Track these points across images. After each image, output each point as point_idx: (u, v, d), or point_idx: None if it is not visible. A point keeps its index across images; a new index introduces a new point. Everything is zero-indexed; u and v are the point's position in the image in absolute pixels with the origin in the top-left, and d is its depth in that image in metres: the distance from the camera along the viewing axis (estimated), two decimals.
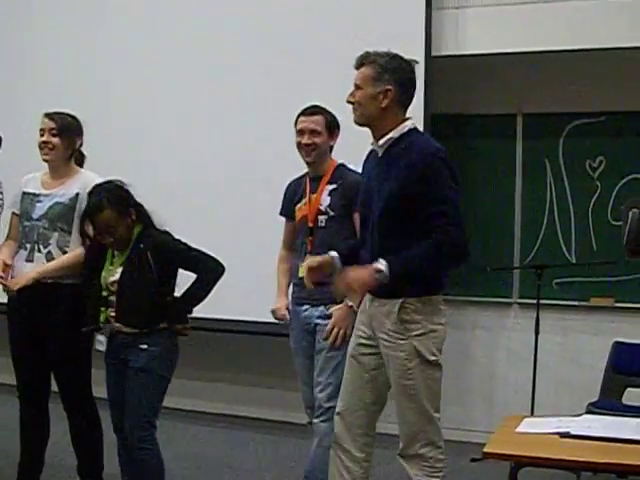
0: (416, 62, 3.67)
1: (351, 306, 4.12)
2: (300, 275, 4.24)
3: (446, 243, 3.41)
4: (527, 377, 5.64)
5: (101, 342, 4.13)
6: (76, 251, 4.34)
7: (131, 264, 4.03)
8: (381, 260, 3.39)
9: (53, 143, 4.41)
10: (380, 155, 3.62)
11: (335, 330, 4.19)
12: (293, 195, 4.55)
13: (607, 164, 6.12)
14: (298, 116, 4.44)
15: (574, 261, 6.17)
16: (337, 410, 3.79)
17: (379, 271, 3.37)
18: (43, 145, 4.41)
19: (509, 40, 5.78)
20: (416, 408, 3.51)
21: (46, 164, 4.49)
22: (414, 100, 5.67)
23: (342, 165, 4.45)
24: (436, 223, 3.40)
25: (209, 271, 4.08)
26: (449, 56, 5.96)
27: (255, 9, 6.35)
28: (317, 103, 4.43)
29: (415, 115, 5.63)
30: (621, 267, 5.94)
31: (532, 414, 5.09)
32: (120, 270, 4.05)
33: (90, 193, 4.12)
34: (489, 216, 6.36)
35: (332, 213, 4.33)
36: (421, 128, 5.71)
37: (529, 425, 3.37)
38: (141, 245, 4.04)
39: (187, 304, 4.12)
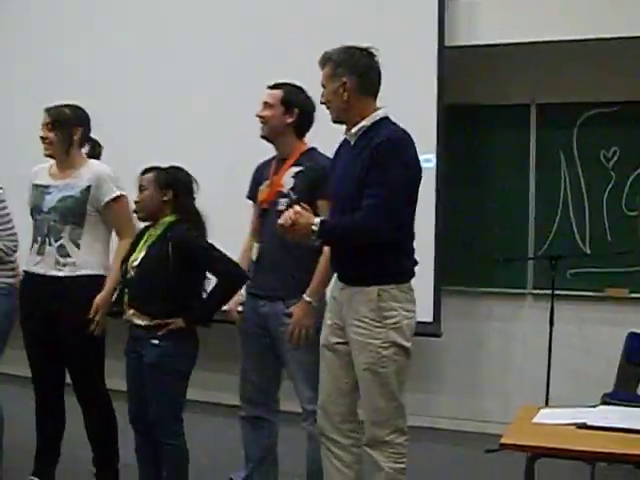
0: (372, 49, 3.67)
1: (309, 302, 4.05)
2: (254, 258, 4.26)
3: (363, 224, 3.50)
4: (542, 368, 5.63)
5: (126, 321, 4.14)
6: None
7: (152, 251, 4.04)
8: (317, 220, 3.52)
9: (49, 137, 4.41)
10: (353, 144, 3.68)
11: (297, 331, 4.07)
12: (259, 177, 4.42)
13: (621, 154, 6.10)
14: None
15: (588, 251, 6.16)
16: (319, 403, 3.82)
17: (313, 231, 3.50)
18: (41, 140, 4.42)
19: (522, 30, 5.75)
20: (387, 394, 3.56)
21: None
22: (428, 91, 5.77)
23: (313, 149, 4.31)
24: (364, 203, 3.49)
25: (228, 276, 4.07)
26: (462, 46, 5.95)
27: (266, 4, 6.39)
28: None
29: (428, 106, 5.78)
30: (635, 257, 5.93)
31: (547, 405, 5.08)
32: (142, 255, 4.07)
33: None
34: (503, 207, 6.34)
35: (294, 197, 4.13)
36: (434, 119, 5.80)
37: (545, 416, 3.37)
38: (168, 235, 4.05)
39: (205, 309, 4.12)
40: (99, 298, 4.27)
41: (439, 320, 5.91)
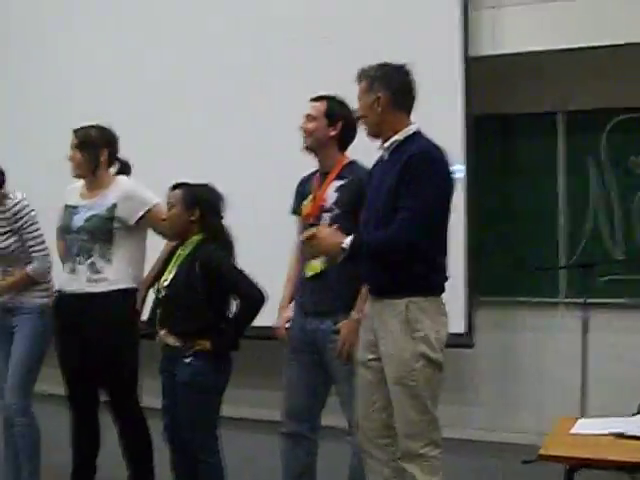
0: (408, 66, 3.75)
1: (358, 319, 4.01)
2: (306, 275, 4.24)
3: (393, 240, 3.53)
4: (576, 377, 5.57)
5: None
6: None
7: (181, 271, 4.06)
8: (348, 240, 3.54)
9: (77, 159, 4.45)
10: (386, 158, 3.72)
11: (345, 347, 4.07)
12: (304, 191, 4.40)
13: None
14: None
15: (620, 258, 6.11)
16: (356, 418, 3.84)
17: (344, 249, 3.54)
18: (69, 161, 4.46)
19: (548, 38, 5.75)
20: (419, 407, 3.55)
21: None
22: (454, 102, 5.76)
23: (354, 162, 4.30)
24: (398, 216, 3.51)
25: (249, 299, 4.07)
26: (487, 56, 5.93)
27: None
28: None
29: (456, 117, 5.76)
30: None
31: (582, 415, 5.04)
32: (171, 276, 4.09)
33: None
34: (533, 215, 6.31)
35: (337, 211, 4.15)
36: (462, 129, 5.79)
37: (583, 426, 3.34)
38: (196, 254, 4.06)
39: (231, 335, 4.12)
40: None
41: (472, 331, 5.88)
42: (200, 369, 4.01)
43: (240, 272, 4.07)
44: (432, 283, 3.64)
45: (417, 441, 3.57)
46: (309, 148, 4.29)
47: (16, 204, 4.49)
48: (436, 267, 3.66)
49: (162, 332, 4.11)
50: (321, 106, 4.25)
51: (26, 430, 4.53)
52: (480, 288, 6.01)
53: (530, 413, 6.14)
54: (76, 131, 4.49)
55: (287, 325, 4.36)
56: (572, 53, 5.72)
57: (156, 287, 4.18)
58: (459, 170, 5.75)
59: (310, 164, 4.37)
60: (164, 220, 4.18)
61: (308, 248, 3.69)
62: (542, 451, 3.05)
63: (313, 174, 4.40)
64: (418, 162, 3.53)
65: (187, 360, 4.00)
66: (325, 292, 4.16)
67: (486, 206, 6.15)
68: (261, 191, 6.20)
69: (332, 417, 4.40)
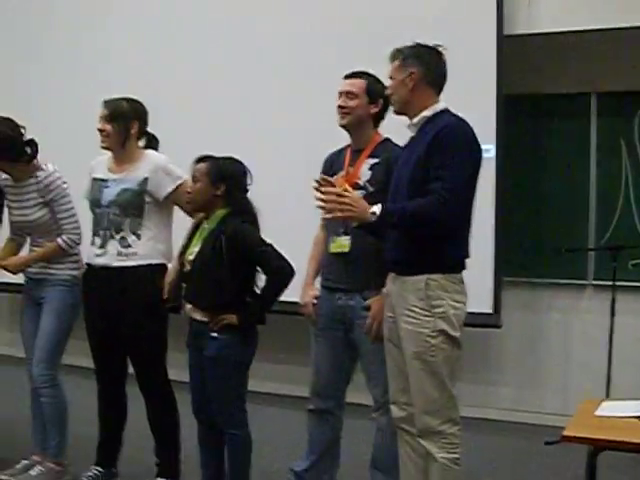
0: (441, 46, 3.77)
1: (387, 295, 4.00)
2: (331, 251, 4.25)
3: (434, 206, 3.48)
4: (602, 360, 5.56)
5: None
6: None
7: (207, 245, 4.05)
8: (378, 205, 3.52)
9: (106, 130, 4.44)
10: (414, 134, 3.74)
11: (375, 325, 4.07)
12: (329, 168, 4.36)
13: None
14: None
15: None
16: (391, 399, 3.85)
17: (373, 213, 3.51)
18: (99, 132, 4.46)
19: (582, 18, 5.69)
20: (437, 384, 3.57)
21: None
22: (487, 81, 5.73)
23: (388, 139, 4.28)
24: (431, 186, 3.49)
25: (278, 273, 4.06)
26: (522, 35, 5.89)
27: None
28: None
29: (488, 96, 5.73)
30: None
31: (607, 397, 5.04)
32: (197, 249, 4.09)
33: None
34: (563, 197, 6.28)
35: (371, 189, 4.13)
36: (494, 109, 5.75)
37: (608, 408, 3.34)
38: (221, 228, 4.05)
39: (258, 309, 4.12)
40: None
41: (499, 311, 5.87)
42: (227, 343, 4.02)
43: (268, 245, 4.06)
44: (452, 260, 3.64)
45: (435, 418, 3.58)
46: (346, 126, 4.26)
47: (48, 176, 4.50)
48: (457, 244, 3.66)
49: (188, 306, 4.12)
50: (361, 83, 4.22)
51: (53, 401, 4.56)
52: (508, 268, 6.00)
53: (555, 394, 6.14)
54: (106, 102, 4.48)
55: (314, 302, 4.36)
56: (606, 33, 5.66)
57: (180, 261, 4.18)
58: (490, 150, 5.74)
59: (338, 140, 4.36)
60: (188, 194, 4.18)
61: (336, 206, 3.58)
62: (566, 432, 3.05)
63: (342, 150, 4.39)
64: (449, 135, 3.54)
65: (214, 334, 4.02)
66: (354, 268, 4.17)
67: (516, 186, 6.12)
68: (286, 165, 6.23)
69: (358, 394, 4.42)
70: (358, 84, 4.21)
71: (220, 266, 3.99)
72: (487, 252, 5.75)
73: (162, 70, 6.79)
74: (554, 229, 6.28)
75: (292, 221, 4.57)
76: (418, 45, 3.75)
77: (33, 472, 4.57)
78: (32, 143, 4.53)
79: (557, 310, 6.29)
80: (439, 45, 3.77)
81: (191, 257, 4.09)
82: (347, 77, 4.28)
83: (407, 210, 3.54)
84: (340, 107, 4.23)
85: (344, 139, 4.33)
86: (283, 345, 5.88)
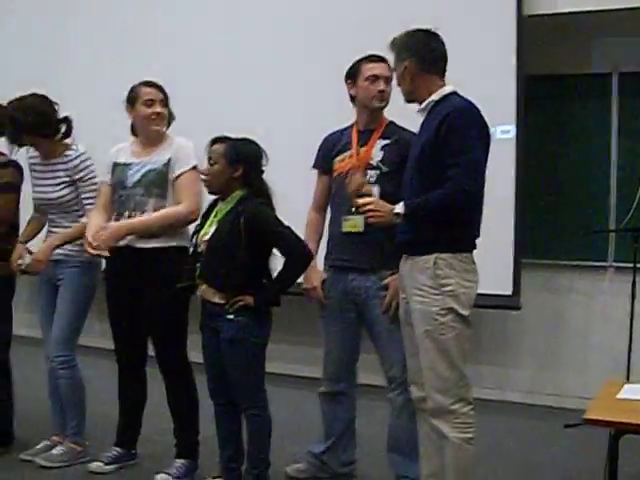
0: (434, 29, 3.76)
1: None
2: (344, 230, 4.25)
3: (454, 193, 3.52)
4: (623, 342, 5.53)
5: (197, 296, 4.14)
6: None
7: (224, 225, 4.03)
8: (400, 204, 3.62)
9: (163, 113, 4.45)
10: (423, 119, 3.76)
11: (395, 303, 4.10)
12: (331, 147, 4.40)
13: None
14: (360, 62, 4.34)
15: None
16: (410, 380, 3.86)
17: (397, 214, 3.61)
18: (155, 116, 4.42)
19: None
20: (448, 362, 3.59)
21: (130, 133, 4.58)
22: (507, 61, 5.68)
23: (392, 122, 4.35)
24: (449, 173, 3.51)
25: (297, 255, 4.05)
26: (542, 15, 5.84)
27: None
28: None
29: (508, 76, 5.69)
30: None
31: (628, 380, 5.01)
32: (212, 229, 4.07)
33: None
34: (584, 178, 6.23)
35: (385, 169, 4.20)
36: (514, 89, 5.72)
37: (630, 391, 3.32)
38: (239, 209, 4.04)
39: (275, 290, 4.10)
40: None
41: (518, 293, 5.85)
42: (244, 325, 4.01)
43: (287, 228, 4.05)
44: (462, 240, 3.66)
45: (447, 397, 3.60)
46: (381, 108, 4.31)
47: (78, 156, 4.52)
48: (467, 223, 3.67)
49: (203, 287, 4.11)
50: (389, 67, 4.22)
51: (70, 382, 4.58)
52: (528, 250, 5.97)
53: (574, 377, 6.12)
54: (159, 86, 4.48)
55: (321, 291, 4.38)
56: (628, 13, 5.60)
57: (194, 241, 4.16)
58: (510, 131, 5.72)
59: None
60: (206, 175, 4.15)
61: (364, 218, 3.78)
62: (587, 415, 3.03)
63: (343, 131, 4.42)
64: (458, 119, 3.56)
65: (230, 316, 4.01)
66: (369, 248, 4.17)
67: (536, 168, 6.08)
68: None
69: (372, 375, 4.42)
70: (388, 68, 4.22)
71: (237, 247, 3.96)
72: (507, 233, 5.73)
73: (179, 50, 6.82)
74: (575, 210, 6.24)
75: (297, 206, 4.55)
76: (407, 34, 3.77)
77: (55, 451, 4.61)
78: (67, 120, 4.56)
79: (577, 292, 6.26)
80: (432, 28, 3.77)
81: (206, 237, 4.07)
82: (377, 61, 4.29)
83: (430, 202, 3.58)
84: (381, 92, 4.27)
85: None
86: (298, 327, 5.87)
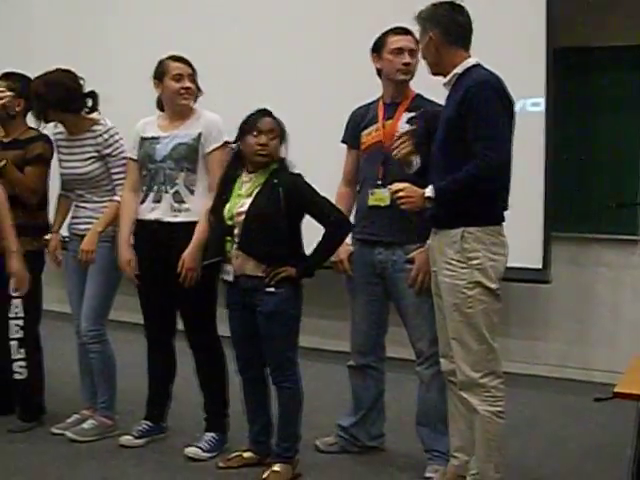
0: (456, 2, 3.75)
1: None
2: (370, 204, 4.25)
3: (482, 167, 3.52)
4: None
5: (228, 272, 4.12)
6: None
7: (262, 196, 4.03)
8: (430, 188, 3.61)
9: (192, 88, 4.45)
10: (449, 92, 3.75)
11: (420, 276, 4.11)
12: (359, 121, 4.40)
13: None
14: (385, 35, 4.33)
15: None
16: (440, 352, 3.87)
17: (428, 198, 3.61)
18: (184, 91, 4.42)
19: None
20: (476, 336, 3.60)
21: (156, 108, 4.58)
22: (537, 34, 5.62)
23: (420, 95, 4.33)
24: (476, 147, 3.52)
25: (337, 225, 4.09)
26: None
27: None
28: None
29: (537, 49, 5.64)
30: None
31: None
32: (249, 201, 4.05)
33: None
34: (614, 151, 6.18)
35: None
36: (544, 62, 5.67)
37: None
38: (275, 180, 4.04)
39: (317, 262, 4.12)
40: (187, 254, 4.28)
41: (548, 267, 5.82)
42: (283, 297, 4.03)
43: (325, 198, 4.09)
44: (489, 213, 3.66)
45: (476, 371, 3.61)
46: (406, 81, 4.30)
47: (107, 130, 4.52)
48: (494, 196, 3.66)
49: (238, 261, 4.07)
50: (413, 39, 4.22)
51: (101, 357, 4.61)
52: (558, 224, 5.93)
53: (604, 351, 6.10)
54: (187, 61, 4.48)
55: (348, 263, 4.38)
56: None
57: (218, 217, 4.13)
58: (540, 103, 5.68)
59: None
60: (264, 146, 4.07)
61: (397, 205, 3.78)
62: (617, 388, 3.03)
63: (370, 105, 4.42)
64: (479, 92, 3.56)
65: (271, 289, 4.02)
66: (395, 222, 4.17)
67: (566, 140, 6.04)
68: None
69: (401, 349, 4.42)
70: (414, 41, 4.21)
71: (279, 217, 3.99)
72: (537, 207, 5.70)
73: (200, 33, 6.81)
74: (604, 184, 6.19)
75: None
76: (433, 6, 3.77)
77: (86, 425, 4.64)
78: (93, 95, 4.56)
79: (606, 265, 6.22)
80: (455, 1, 3.76)
81: (242, 209, 4.04)
82: (401, 33, 4.28)
83: (458, 182, 3.58)
84: (406, 64, 4.25)
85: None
86: (326, 300, 5.87)
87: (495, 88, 3.59)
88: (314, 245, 4.11)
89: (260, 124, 4.08)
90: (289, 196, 4.00)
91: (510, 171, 3.65)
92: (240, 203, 4.07)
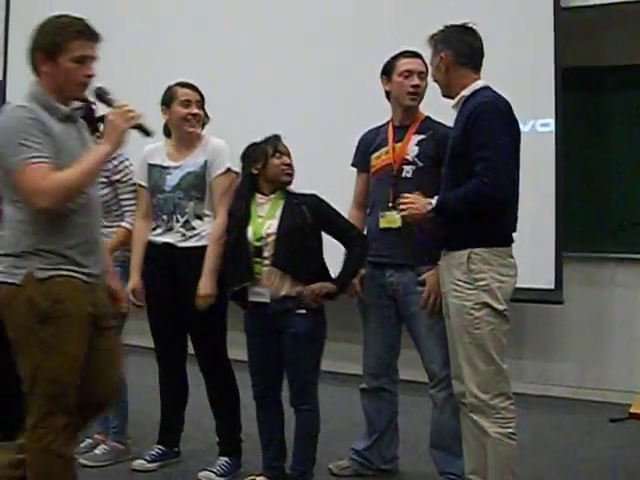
0: (471, 24, 3.79)
1: None
2: (381, 226, 4.25)
3: (479, 187, 3.55)
4: None
5: (261, 294, 4.08)
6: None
7: (288, 215, 4.05)
8: (435, 198, 3.67)
9: (200, 115, 4.46)
10: (457, 114, 3.77)
11: (432, 298, 4.10)
12: (369, 145, 4.41)
13: None
14: (394, 58, 4.34)
15: None
16: (452, 374, 3.86)
17: (431, 209, 3.66)
18: (191, 117, 4.43)
19: None
20: (484, 357, 3.60)
21: (163, 134, 4.56)
22: (545, 53, 5.64)
23: (429, 117, 4.34)
24: (476, 168, 3.55)
25: (358, 245, 4.13)
26: (579, 7, 5.80)
27: None
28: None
29: (546, 69, 5.64)
30: None
31: None
32: (274, 222, 4.06)
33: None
34: (626, 170, 6.18)
35: (420, 164, 4.19)
36: (552, 82, 5.67)
37: None
38: (295, 200, 4.09)
39: (348, 278, 4.14)
40: (204, 281, 4.27)
41: (561, 287, 5.80)
42: (313, 319, 4.07)
43: (344, 217, 4.18)
44: (496, 234, 3.67)
45: (485, 392, 3.60)
46: (414, 106, 4.30)
47: (118, 156, 4.49)
48: (502, 218, 3.68)
49: (273, 285, 4.04)
50: (423, 63, 4.25)
51: None
52: (570, 243, 5.91)
53: (619, 371, 6.06)
54: (195, 87, 4.50)
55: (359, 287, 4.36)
56: None
57: (238, 239, 4.10)
58: (549, 123, 5.69)
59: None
60: (289, 165, 4.14)
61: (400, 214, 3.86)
62: (633, 409, 3.01)
63: (380, 128, 4.43)
64: (481, 112, 3.60)
65: (302, 311, 4.03)
66: (407, 244, 4.17)
67: (577, 160, 6.03)
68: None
69: (413, 371, 4.40)
70: (423, 64, 4.24)
71: (309, 234, 4.03)
72: (548, 227, 5.68)
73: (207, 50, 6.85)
74: (616, 203, 6.19)
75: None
76: (446, 28, 3.82)
77: (98, 451, 4.63)
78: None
79: (620, 285, 6.20)
80: (468, 23, 3.80)
81: (271, 230, 4.05)
82: (411, 56, 4.31)
83: (458, 198, 3.62)
84: (415, 87, 4.27)
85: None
86: (338, 323, 5.84)
87: (498, 110, 3.62)
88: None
89: (280, 147, 4.14)
90: (314, 214, 4.06)
91: (514, 193, 3.66)
92: (266, 225, 4.08)
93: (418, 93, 4.27)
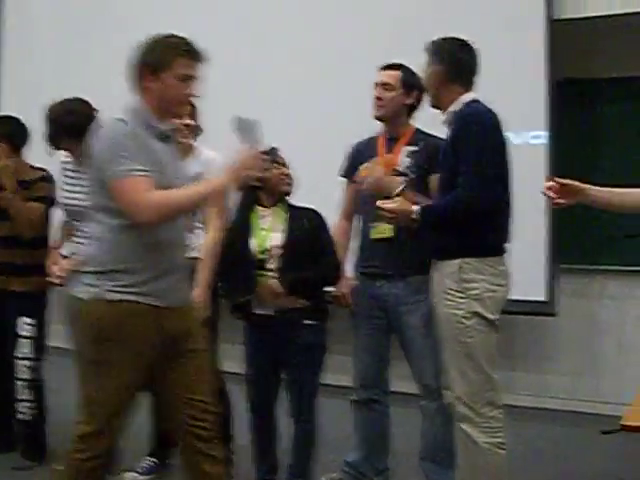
0: (463, 40, 3.81)
1: None
2: (373, 237, 4.25)
3: (459, 199, 3.61)
4: None
5: (265, 305, 4.11)
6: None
7: (293, 228, 4.09)
8: (417, 208, 3.69)
9: (193, 126, 4.47)
10: (447, 129, 3.81)
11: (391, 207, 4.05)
12: (358, 156, 4.41)
13: None
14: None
15: None
16: (444, 384, 3.87)
17: (414, 220, 3.69)
18: (184, 128, 4.40)
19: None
20: (474, 366, 3.61)
21: None
22: (537, 66, 5.65)
23: (419, 130, 4.34)
24: (458, 180, 3.60)
25: (330, 268, 4.20)
26: (572, 19, 5.82)
27: None
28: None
29: (538, 82, 5.66)
30: None
31: None
32: (278, 234, 4.08)
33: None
34: (621, 182, 6.15)
35: (412, 175, 4.18)
36: (545, 94, 5.68)
37: None
38: (297, 212, 4.13)
39: (293, 279, 4.08)
40: (199, 293, 4.20)
41: (553, 299, 5.81)
42: (321, 328, 4.14)
43: (332, 239, 4.23)
44: (487, 245, 3.69)
45: (474, 401, 3.61)
46: (381, 117, 4.31)
47: None
48: (493, 229, 3.70)
49: (280, 292, 4.05)
50: (397, 75, 4.27)
51: None
52: (563, 256, 5.92)
53: (611, 383, 6.06)
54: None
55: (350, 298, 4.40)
56: None
57: (252, 252, 4.11)
58: (541, 136, 5.70)
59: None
60: (288, 175, 4.20)
61: (381, 218, 3.86)
62: (624, 421, 3.00)
63: (370, 140, 4.43)
64: (463, 125, 3.64)
65: (309, 321, 4.07)
66: (397, 255, 4.17)
67: (569, 173, 6.01)
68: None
69: (404, 383, 4.40)
70: (394, 75, 4.27)
71: (315, 246, 4.09)
72: (541, 239, 5.70)
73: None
74: (608, 215, 6.15)
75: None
76: (442, 40, 3.83)
77: None
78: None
79: (612, 297, 6.21)
80: (466, 40, 3.81)
81: (276, 243, 4.07)
82: (383, 69, 4.35)
83: (439, 208, 3.71)
84: (377, 98, 4.27)
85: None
86: (329, 335, 5.86)
87: (480, 123, 3.65)
88: None
89: (278, 158, 4.16)
90: (316, 225, 4.12)
91: (494, 204, 3.66)
92: (270, 237, 4.09)
93: (380, 105, 4.27)
